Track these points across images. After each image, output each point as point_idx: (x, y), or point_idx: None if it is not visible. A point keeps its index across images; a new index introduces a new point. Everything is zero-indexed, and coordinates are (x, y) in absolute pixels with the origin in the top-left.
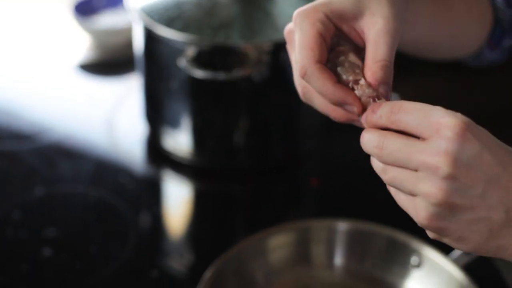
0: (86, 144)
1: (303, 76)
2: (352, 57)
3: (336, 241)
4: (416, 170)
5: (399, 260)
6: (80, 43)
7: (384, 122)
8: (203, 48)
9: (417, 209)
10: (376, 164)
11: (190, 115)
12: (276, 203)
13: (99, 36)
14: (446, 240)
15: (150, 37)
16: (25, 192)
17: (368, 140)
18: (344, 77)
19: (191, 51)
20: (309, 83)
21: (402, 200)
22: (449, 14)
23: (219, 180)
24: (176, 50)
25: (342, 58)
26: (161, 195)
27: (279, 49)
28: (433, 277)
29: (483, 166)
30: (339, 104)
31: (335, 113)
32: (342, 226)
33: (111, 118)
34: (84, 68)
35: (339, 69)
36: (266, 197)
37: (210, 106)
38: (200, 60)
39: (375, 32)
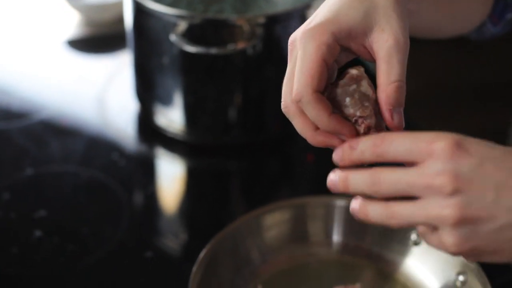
0: (77, 122)
1: (298, 101)
2: (365, 85)
3: (333, 218)
4: (420, 197)
5: (398, 237)
6: (69, 19)
7: (368, 157)
8: (195, 22)
9: (443, 239)
10: (378, 216)
11: (182, 91)
12: (272, 179)
13: (88, 12)
14: (484, 259)
15: (140, 11)
16: (14, 172)
17: (360, 181)
18: (352, 111)
19: (182, 26)
20: (303, 109)
21: (428, 239)
22: None
23: (213, 157)
24: (167, 24)
25: (353, 87)
26: (154, 173)
27: (273, 22)
28: (432, 254)
29: (486, 175)
30: (332, 133)
31: (313, 139)
32: (340, 202)
33: (102, 96)
34: (73, 45)
35: (347, 100)
36: (261, 173)
37: (203, 82)
38: (191, 35)
39: (387, 50)
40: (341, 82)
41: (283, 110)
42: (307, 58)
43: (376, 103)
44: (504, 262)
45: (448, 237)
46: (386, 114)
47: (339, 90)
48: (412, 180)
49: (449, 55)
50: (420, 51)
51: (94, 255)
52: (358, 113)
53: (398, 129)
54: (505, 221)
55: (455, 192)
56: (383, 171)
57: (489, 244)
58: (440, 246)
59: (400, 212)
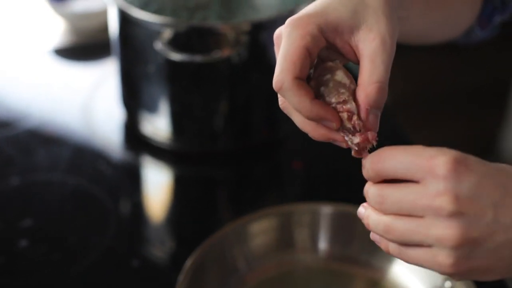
0: (63, 131)
1: (279, 90)
2: (340, 75)
3: (320, 225)
4: (422, 216)
5: None
6: (54, 27)
7: (372, 175)
8: (180, 30)
9: (439, 259)
10: (375, 226)
11: (168, 99)
12: (259, 186)
13: (74, 21)
14: (476, 277)
15: (125, 20)
16: (0, 181)
17: (371, 195)
18: (327, 99)
19: (167, 34)
20: (285, 98)
21: (418, 256)
22: (441, 0)
23: (200, 165)
24: (152, 32)
25: (327, 76)
26: (140, 181)
27: (258, 29)
28: None
29: (485, 193)
30: (317, 120)
31: (315, 132)
32: (326, 209)
33: (88, 104)
34: (59, 53)
35: (322, 89)
36: (248, 180)
37: (189, 89)
38: (177, 43)
39: (372, 50)
40: (315, 73)
41: (281, 107)
42: (290, 45)
43: (354, 93)
44: (494, 279)
45: (446, 258)
46: (362, 113)
47: (312, 83)
48: (413, 200)
49: (437, 60)
50: (409, 56)
51: (81, 263)
52: (333, 100)
53: (371, 130)
54: (503, 239)
55: (455, 213)
56: (387, 188)
57: (485, 262)
58: (432, 265)
59: (401, 229)
